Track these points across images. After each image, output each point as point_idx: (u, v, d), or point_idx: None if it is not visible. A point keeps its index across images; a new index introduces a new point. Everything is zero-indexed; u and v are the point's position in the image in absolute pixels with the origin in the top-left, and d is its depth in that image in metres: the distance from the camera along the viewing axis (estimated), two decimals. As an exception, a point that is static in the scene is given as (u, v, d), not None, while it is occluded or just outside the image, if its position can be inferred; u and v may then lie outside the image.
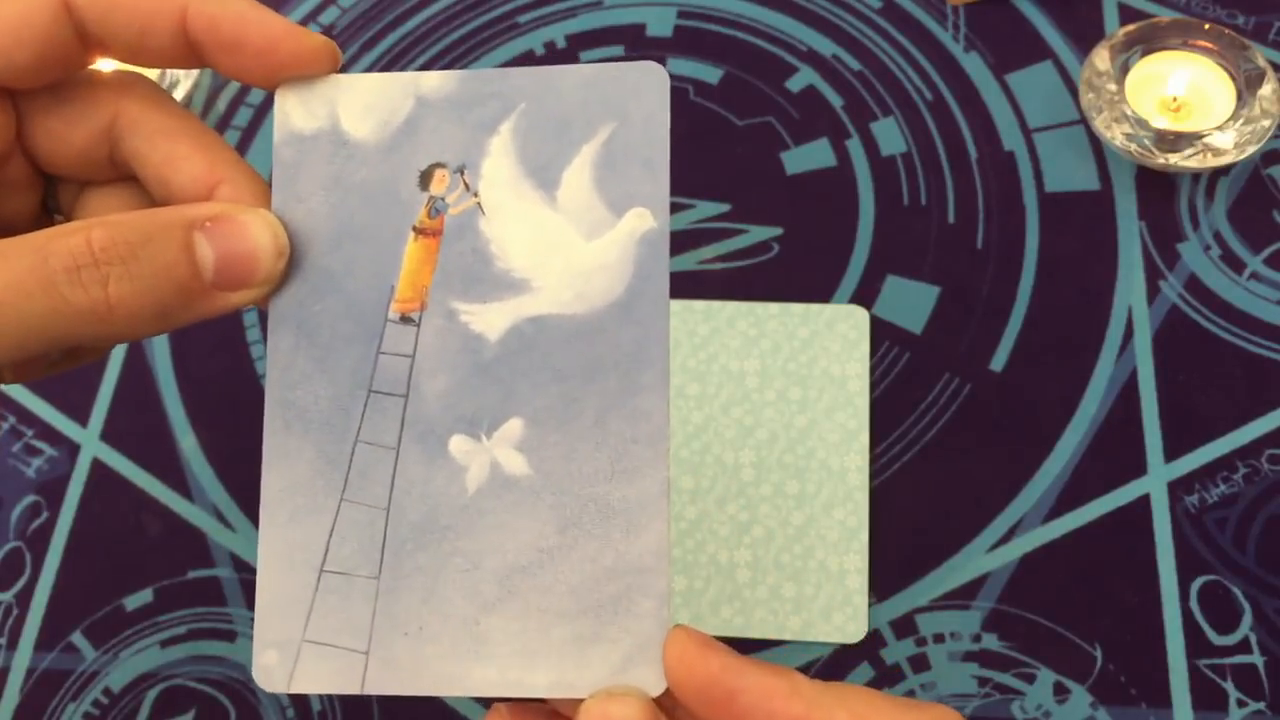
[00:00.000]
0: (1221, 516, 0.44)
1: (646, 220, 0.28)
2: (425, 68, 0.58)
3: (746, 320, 0.49)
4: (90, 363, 0.32)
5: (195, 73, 0.57)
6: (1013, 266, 0.50)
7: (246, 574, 0.46)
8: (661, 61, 0.57)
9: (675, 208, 0.53)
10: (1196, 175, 0.51)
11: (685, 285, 0.51)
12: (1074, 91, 0.53)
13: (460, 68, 0.58)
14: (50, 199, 0.30)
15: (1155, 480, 0.45)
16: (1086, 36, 0.55)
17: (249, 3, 0.27)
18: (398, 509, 0.27)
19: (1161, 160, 0.49)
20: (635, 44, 0.58)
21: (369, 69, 0.58)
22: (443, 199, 0.28)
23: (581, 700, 0.26)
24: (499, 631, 0.26)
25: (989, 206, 0.51)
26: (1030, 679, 0.42)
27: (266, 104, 0.58)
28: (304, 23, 0.60)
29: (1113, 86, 0.51)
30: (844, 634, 0.43)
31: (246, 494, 0.48)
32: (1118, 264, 0.49)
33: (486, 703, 0.43)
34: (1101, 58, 0.51)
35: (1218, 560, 0.43)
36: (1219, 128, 0.49)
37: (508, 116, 0.28)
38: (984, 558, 0.44)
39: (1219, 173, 0.51)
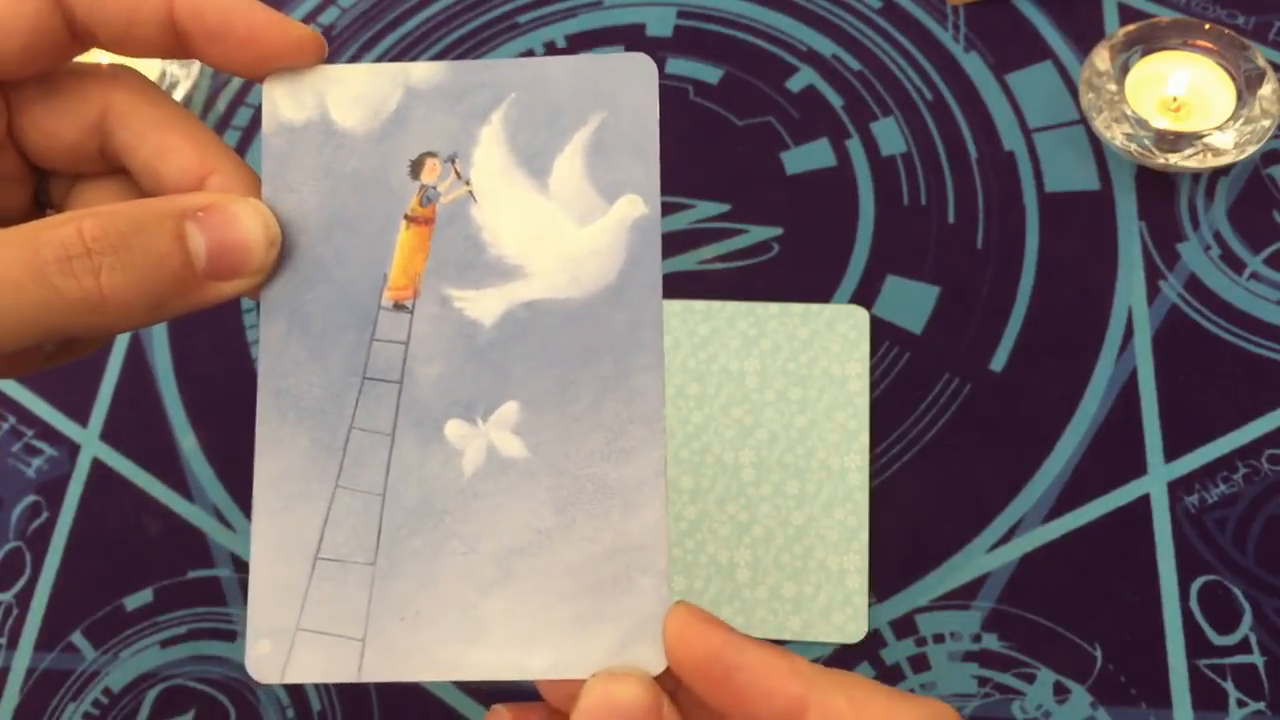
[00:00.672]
0: (1221, 516, 0.44)
1: (638, 206, 0.28)
2: (425, 68, 0.58)
3: (746, 320, 0.49)
4: (85, 356, 0.32)
5: (195, 72, 0.57)
6: (1013, 266, 0.50)
7: (246, 574, 0.46)
8: (661, 62, 0.57)
9: (675, 208, 0.53)
10: (1196, 175, 0.51)
11: (685, 285, 0.51)
12: (1074, 91, 0.54)
13: (460, 68, 0.58)
14: (42, 192, 0.30)
15: (1155, 480, 0.45)
16: (1086, 36, 0.55)
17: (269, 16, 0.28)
18: (393, 494, 0.27)
19: (1161, 160, 0.49)
20: (635, 44, 0.58)
21: (369, 69, 0.58)
22: (434, 187, 0.28)
23: (580, 682, 0.25)
24: (497, 614, 0.26)
25: (989, 206, 0.51)
26: (1030, 679, 0.42)
27: (266, 104, 0.58)
28: (304, 23, 0.60)
29: (1113, 86, 0.51)
30: (844, 634, 0.43)
31: (246, 494, 0.48)
32: (1118, 264, 0.49)
33: (487, 702, 0.43)
34: (1101, 58, 0.51)
35: (1218, 560, 0.43)
36: (1219, 128, 0.49)
37: (499, 105, 0.28)
38: (984, 557, 0.44)
39: (1219, 173, 0.51)
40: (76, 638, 0.46)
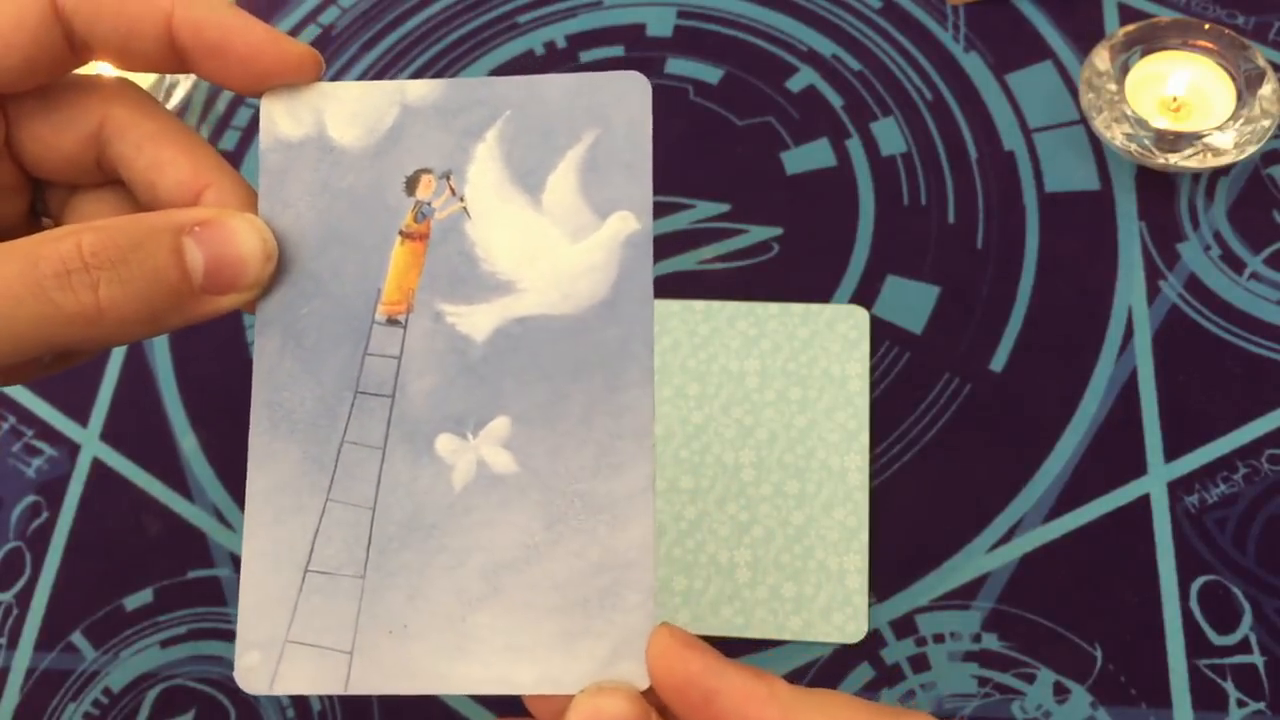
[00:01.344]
0: (1221, 516, 0.44)
1: (630, 223, 0.28)
2: (425, 68, 0.58)
3: (746, 320, 0.49)
4: (82, 363, 0.32)
5: (193, 75, 0.57)
6: (1013, 266, 0.50)
7: (246, 574, 0.46)
8: (662, 62, 0.57)
9: (675, 208, 0.53)
10: (1196, 175, 0.51)
11: (685, 285, 0.51)
12: (1074, 91, 0.54)
13: (459, 69, 0.58)
14: (38, 203, 0.30)
15: (1155, 480, 0.45)
16: (1086, 36, 0.55)
17: (233, 10, 0.27)
18: (383, 508, 0.27)
19: (1161, 160, 0.49)
20: (635, 44, 0.58)
21: (369, 69, 0.59)
22: (429, 204, 0.28)
23: (567, 698, 0.25)
24: (485, 628, 0.26)
25: (989, 206, 0.51)
26: (1030, 679, 0.42)
27: (266, 104, 0.58)
28: (304, 23, 0.60)
29: (1113, 86, 0.51)
30: (844, 634, 0.43)
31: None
32: (1118, 264, 0.49)
33: (488, 703, 0.43)
34: (1101, 58, 0.51)
35: (1218, 560, 0.43)
36: (1219, 128, 0.49)
37: (494, 123, 0.28)
38: (984, 558, 0.44)
39: (1219, 173, 0.51)
40: (76, 638, 0.46)
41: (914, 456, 0.46)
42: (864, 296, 0.50)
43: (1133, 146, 0.50)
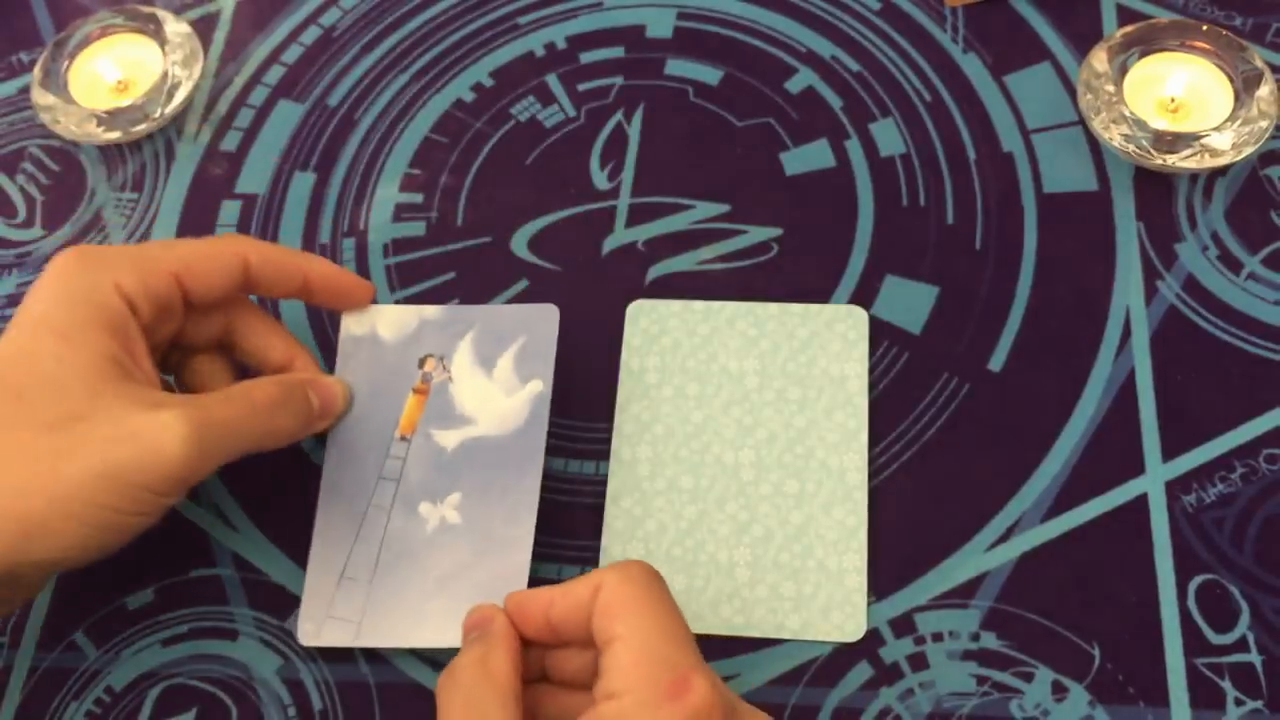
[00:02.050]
0: (1219, 516, 0.44)
1: (539, 386, 0.46)
2: (426, 68, 0.58)
3: (746, 320, 0.49)
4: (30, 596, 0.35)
5: (195, 74, 0.57)
6: (1011, 267, 0.50)
7: (248, 573, 0.46)
8: (661, 63, 0.57)
9: (675, 208, 0.53)
10: (1194, 176, 0.51)
11: (685, 285, 0.51)
12: (1072, 92, 0.54)
13: (460, 69, 0.58)
14: (164, 359, 0.46)
15: (1153, 480, 0.45)
16: (1085, 38, 0.55)
17: (341, 270, 0.48)
18: (386, 544, 0.45)
19: (1159, 161, 0.50)
20: (635, 45, 0.58)
21: (370, 70, 0.59)
22: (430, 374, 0.47)
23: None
24: (431, 612, 0.43)
25: (987, 207, 0.51)
26: (1028, 678, 0.42)
27: (267, 107, 0.58)
28: (306, 24, 0.61)
29: (1111, 87, 0.51)
30: (843, 633, 0.43)
31: (248, 494, 0.48)
32: (1116, 264, 0.49)
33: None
34: (1100, 59, 0.51)
35: (1215, 559, 0.43)
36: (1217, 129, 0.49)
37: (469, 331, 0.47)
38: (982, 557, 0.44)
39: (1217, 173, 0.51)
40: (78, 637, 0.46)
41: (913, 456, 0.46)
42: (863, 297, 0.50)
43: (1131, 147, 0.50)
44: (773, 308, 0.49)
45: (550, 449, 0.46)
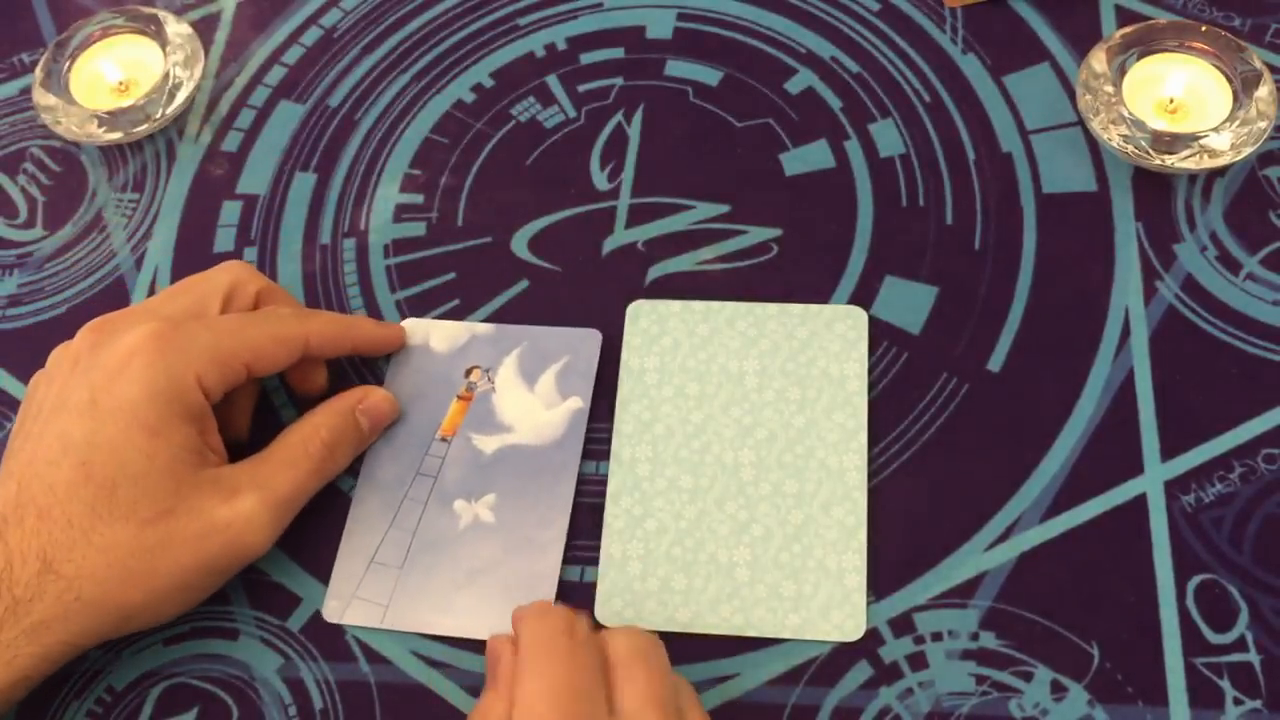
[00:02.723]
0: (1218, 516, 0.44)
1: (577, 403, 0.48)
2: (426, 69, 0.58)
3: (746, 320, 0.49)
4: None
5: (196, 76, 0.57)
6: (1010, 267, 0.50)
7: (249, 573, 0.46)
8: (661, 64, 0.57)
9: (675, 209, 0.53)
10: (1193, 176, 0.51)
11: (685, 285, 0.51)
12: (1071, 93, 0.54)
13: (460, 70, 0.58)
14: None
15: (1152, 480, 0.45)
16: (1084, 38, 0.55)
17: (383, 326, 0.51)
18: (419, 533, 0.47)
19: (1158, 161, 0.50)
20: (635, 46, 0.58)
21: (370, 71, 0.59)
22: (475, 383, 0.50)
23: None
24: (462, 602, 0.45)
25: (987, 207, 0.52)
26: (1028, 677, 0.42)
27: (268, 107, 0.58)
28: (306, 25, 0.61)
29: (1110, 88, 0.51)
30: (842, 632, 0.43)
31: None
32: (1115, 265, 0.50)
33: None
34: (1099, 59, 0.51)
35: (1214, 559, 0.44)
36: (1215, 129, 0.49)
37: (517, 348, 0.50)
38: (982, 556, 0.44)
39: (1215, 174, 0.51)
40: (79, 636, 0.46)
41: (912, 456, 0.46)
42: (862, 297, 0.50)
43: (1130, 148, 0.50)
44: (772, 308, 0.49)
45: (550, 449, 0.47)
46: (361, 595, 0.45)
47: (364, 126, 0.57)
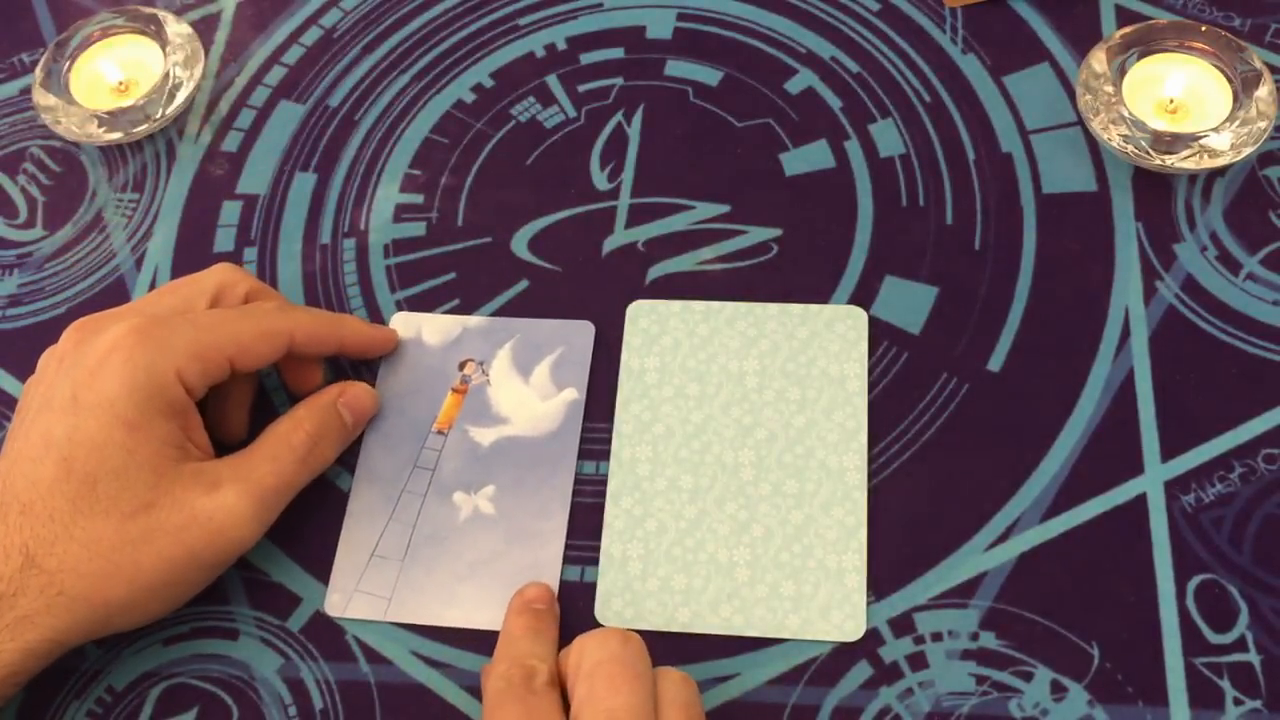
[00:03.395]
0: (1218, 516, 0.44)
1: (573, 394, 0.49)
2: (426, 69, 0.58)
3: (746, 320, 0.49)
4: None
5: (197, 75, 0.57)
6: (1010, 267, 0.50)
7: (249, 573, 0.46)
8: (661, 64, 0.57)
9: (675, 209, 0.53)
10: (1193, 176, 0.51)
11: (685, 285, 0.51)
12: (1071, 93, 0.54)
13: (460, 70, 0.58)
14: None
15: (1152, 480, 0.45)
16: (1084, 38, 0.55)
17: (372, 327, 0.50)
18: (419, 526, 0.47)
19: (1158, 161, 0.50)
20: (635, 46, 0.58)
21: (371, 71, 0.59)
22: (469, 376, 0.50)
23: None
24: (463, 594, 0.45)
25: (987, 207, 0.52)
26: (1028, 677, 0.42)
27: (268, 107, 0.58)
28: (306, 25, 0.61)
29: (1110, 88, 0.51)
30: (842, 632, 0.43)
31: (248, 493, 0.48)
32: (1115, 265, 0.50)
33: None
34: (1099, 59, 0.51)
35: (1214, 559, 0.44)
36: (1215, 129, 0.49)
37: (510, 340, 0.50)
38: (982, 556, 0.44)
39: (1215, 174, 0.51)
40: (79, 636, 0.46)
41: (912, 456, 0.46)
42: (862, 297, 0.50)
43: (1130, 148, 0.50)
44: (772, 308, 0.49)
45: (550, 449, 0.47)
46: (364, 589, 0.45)
47: (364, 126, 0.57)
